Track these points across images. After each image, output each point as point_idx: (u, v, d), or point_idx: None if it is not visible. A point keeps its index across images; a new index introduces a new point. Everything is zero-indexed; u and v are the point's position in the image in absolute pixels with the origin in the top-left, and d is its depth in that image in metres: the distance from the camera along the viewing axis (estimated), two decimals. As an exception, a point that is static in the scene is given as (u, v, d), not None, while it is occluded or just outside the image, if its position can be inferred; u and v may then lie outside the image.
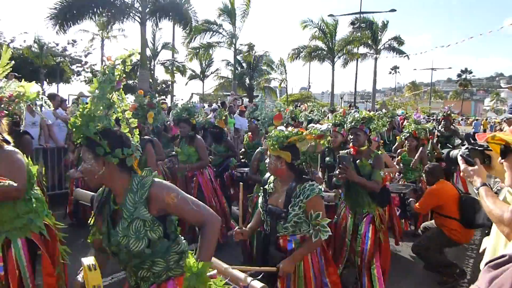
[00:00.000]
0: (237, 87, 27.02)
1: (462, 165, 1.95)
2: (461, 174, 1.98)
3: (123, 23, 17.48)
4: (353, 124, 3.93)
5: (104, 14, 16.53)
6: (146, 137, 4.65)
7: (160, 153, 5.59)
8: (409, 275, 4.80)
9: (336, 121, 4.91)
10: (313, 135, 2.89)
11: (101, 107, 1.91)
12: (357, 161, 3.84)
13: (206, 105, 22.35)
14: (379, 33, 31.58)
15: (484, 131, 30.04)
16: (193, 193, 5.04)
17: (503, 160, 1.31)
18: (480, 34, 16.48)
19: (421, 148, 6.21)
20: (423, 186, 5.95)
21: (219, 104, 14.33)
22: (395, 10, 26.97)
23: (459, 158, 1.99)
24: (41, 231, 2.84)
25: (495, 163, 1.79)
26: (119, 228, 1.94)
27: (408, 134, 6.31)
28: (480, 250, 2.38)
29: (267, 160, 2.78)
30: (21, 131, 3.74)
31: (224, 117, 6.66)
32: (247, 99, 28.77)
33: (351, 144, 3.95)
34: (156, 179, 2.03)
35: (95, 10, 15.52)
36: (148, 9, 16.17)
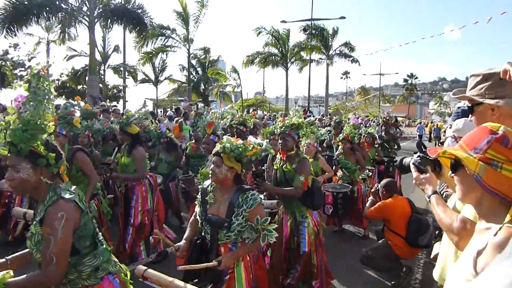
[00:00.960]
0: (192, 93, 26.71)
1: (414, 173, 2.01)
2: (413, 181, 2.04)
3: (70, 28, 16.75)
4: (282, 129, 4.09)
5: (51, 18, 15.79)
6: (75, 146, 4.62)
7: (99, 166, 5.43)
8: (363, 275, 4.92)
9: (273, 129, 5.07)
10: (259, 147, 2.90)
11: (39, 118, 1.94)
12: (284, 166, 4.02)
13: (160, 111, 22.02)
14: (330, 39, 32.52)
15: (430, 133, 31.61)
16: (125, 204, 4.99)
17: (453, 174, 1.37)
18: (423, 38, 17.35)
19: (356, 152, 6.48)
20: (358, 187, 6.30)
21: (174, 110, 14.11)
22: (344, 18, 27.71)
23: (411, 166, 2.06)
24: None
25: (445, 171, 1.86)
26: (32, 239, 2.00)
27: (342, 138, 6.56)
28: (432, 256, 2.46)
29: (215, 169, 2.74)
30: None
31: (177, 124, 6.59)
32: (202, 105, 28.60)
33: (280, 149, 4.10)
34: (61, 200, 1.99)
35: (43, 14, 14.81)
36: (96, 13, 15.62)
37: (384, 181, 5.05)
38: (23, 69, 30.72)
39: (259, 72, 32.06)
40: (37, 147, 1.96)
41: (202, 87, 30.73)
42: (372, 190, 5.00)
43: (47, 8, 14.79)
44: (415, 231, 4.41)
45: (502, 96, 1.66)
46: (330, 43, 32.58)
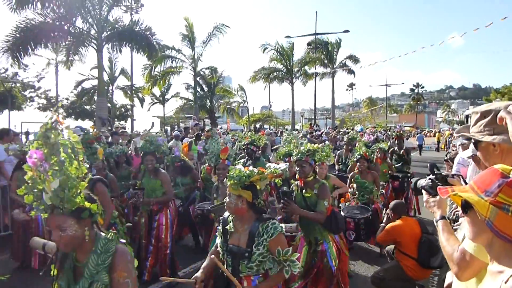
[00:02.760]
0: (199, 109, 26.92)
1: (425, 196, 2.02)
2: (425, 204, 2.05)
3: (79, 51, 16.98)
4: (298, 156, 4.10)
5: (60, 42, 16.05)
6: (94, 176, 4.55)
7: (115, 189, 5.48)
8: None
9: (288, 151, 5.08)
10: (274, 174, 2.91)
11: (77, 173, 1.93)
12: (304, 192, 4.02)
13: (168, 128, 22.21)
14: (334, 52, 32.70)
15: (438, 143, 31.33)
16: (155, 228, 5.01)
17: (464, 215, 1.39)
18: (422, 47, 17.35)
19: (372, 171, 6.44)
20: (376, 206, 6.19)
21: (182, 129, 14.20)
22: (348, 31, 27.95)
23: (423, 189, 2.06)
24: None
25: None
26: (80, 286, 1.98)
27: (359, 156, 6.47)
28: (445, 285, 2.45)
29: (227, 199, 2.74)
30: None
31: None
32: (209, 121, 28.75)
33: (297, 176, 4.11)
34: (120, 246, 2.05)
35: (50, 39, 15.06)
36: (104, 36, 15.86)
37: (391, 203, 5.02)
38: (32, 90, 31.28)
39: (265, 88, 32.29)
40: (81, 202, 1.95)
41: (209, 104, 30.98)
42: (385, 219, 4.94)
43: (55, 33, 15.04)
44: (427, 252, 4.35)
45: (499, 132, 1.68)
46: (334, 56, 32.79)
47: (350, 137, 9.22)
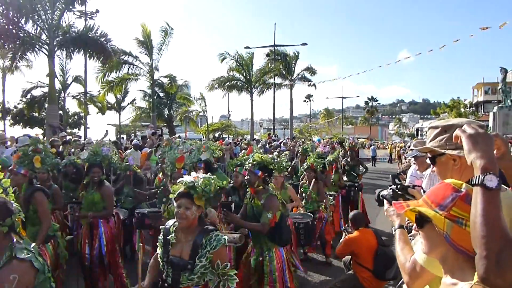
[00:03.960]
0: (156, 118, 26.40)
1: (386, 205, 2.06)
2: (384, 213, 2.09)
3: (27, 55, 16.21)
4: (246, 166, 4.21)
5: (7, 46, 15.25)
6: (36, 185, 4.40)
7: (59, 201, 5.21)
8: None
9: (237, 161, 5.20)
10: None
11: None
12: (252, 201, 4.07)
13: (124, 137, 21.56)
14: (293, 64, 33.29)
15: (390, 154, 32.51)
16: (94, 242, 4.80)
17: (419, 229, 1.40)
18: (379, 66, 18.15)
19: (314, 181, 6.60)
20: (320, 215, 6.40)
21: (139, 139, 13.83)
22: (306, 44, 28.57)
23: (383, 198, 2.10)
24: None
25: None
26: None
27: (306, 167, 6.67)
28: None
29: (185, 212, 2.63)
30: None
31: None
32: (167, 130, 28.27)
33: (241, 181, 4.25)
34: (15, 261, 1.95)
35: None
36: (56, 42, 15.26)
37: (351, 214, 5.11)
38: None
39: (224, 96, 32.19)
40: None
41: (167, 112, 30.47)
42: (343, 236, 4.94)
43: (2, 36, 14.30)
44: (382, 264, 4.43)
45: (461, 147, 1.73)
46: (293, 68, 33.37)
47: (304, 147, 9.41)
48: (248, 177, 4.12)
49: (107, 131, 11.86)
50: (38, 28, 15.05)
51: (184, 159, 4.73)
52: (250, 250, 4.16)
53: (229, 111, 44.99)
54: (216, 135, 30.96)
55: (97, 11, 20.26)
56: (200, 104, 31.41)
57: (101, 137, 11.16)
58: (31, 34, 15.02)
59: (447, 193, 1.29)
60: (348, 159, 8.95)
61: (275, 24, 28.84)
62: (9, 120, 31.94)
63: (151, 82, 24.42)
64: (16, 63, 17.97)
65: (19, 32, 14.68)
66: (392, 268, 4.40)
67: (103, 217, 4.83)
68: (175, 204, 2.72)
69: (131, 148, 11.10)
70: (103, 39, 16.01)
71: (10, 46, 15.45)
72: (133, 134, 20.17)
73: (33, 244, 2.08)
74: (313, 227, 5.94)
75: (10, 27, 14.34)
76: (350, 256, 4.87)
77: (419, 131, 44.43)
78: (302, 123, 78.94)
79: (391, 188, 2.09)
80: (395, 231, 1.94)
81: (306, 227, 5.77)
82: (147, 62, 23.42)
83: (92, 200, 4.80)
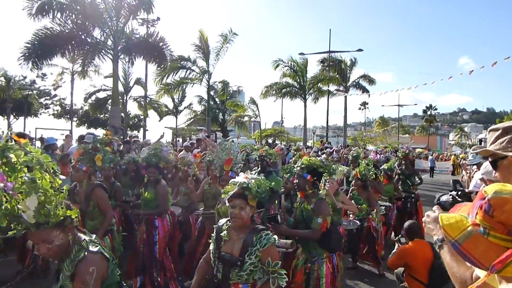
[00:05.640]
0: (211, 122, 27.04)
1: (437, 212, 1.84)
2: (425, 218, 1.93)
3: (94, 60, 17.28)
4: (294, 170, 4.23)
5: (76, 52, 16.35)
6: (95, 181, 4.64)
7: (119, 198, 5.44)
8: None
9: (286, 168, 5.14)
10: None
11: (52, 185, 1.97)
12: (302, 206, 4.02)
13: (180, 140, 22.26)
14: (348, 71, 32.78)
15: (453, 166, 30.74)
16: (148, 239, 4.97)
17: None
18: (441, 80, 17.32)
19: (369, 190, 6.46)
20: (369, 224, 6.21)
21: (194, 141, 14.22)
22: (362, 50, 28.08)
23: (439, 205, 1.96)
24: None
25: None
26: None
27: (353, 175, 6.60)
28: None
29: (240, 212, 2.70)
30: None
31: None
32: (221, 134, 28.85)
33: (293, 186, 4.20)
34: (89, 255, 2.06)
35: (68, 48, 15.37)
36: (120, 47, 16.13)
37: (406, 224, 4.85)
38: (48, 97, 31.88)
39: (277, 102, 32.37)
40: (63, 213, 2.01)
41: (221, 117, 31.08)
42: (396, 246, 4.74)
43: (73, 42, 15.37)
44: (438, 278, 4.16)
45: None
46: (348, 75, 32.87)
47: (353, 155, 9.25)
48: (297, 181, 4.10)
49: (163, 132, 12.36)
50: (105, 35, 16.00)
51: (231, 161, 4.80)
52: (298, 257, 4.11)
53: (282, 118, 45.07)
54: (269, 141, 31.13)
55: (158, 18, 21.10)
56: (252, 110, 31.71)
57: (157, 139, 11.65)
58: (98, 40, 15.98)
59: (477, 201, 1.25)
60: (403, 168, 8.66)
61: (330, 30, 28.62)
62: (76, 121, 34.15)
63: (206, 87, 25.06)
64: (86, 68, 19.19)
65: (88, 38, 15.68)
66: (448, 284, 4.14)
67: (156, 215, 5.01)
68: (227, 204, 2.79)
69: (183, 150, 11.45)
70: (161, 44, 16.71)
71: (80, 51, 16.55)
72: (188, 138, 20.78)
73: (94, 236, 2.22)
74: (358, 235, 5.79)
75: (80, 33, 15.38)
76: (403, 268, 4.65)
77: (482, 142, 41.85)
78: (356, 131, 77.36)
79: (451, 194, 1.98)
80: (440, 242, 1.70)
81: (350, 234, 5.66)
82: (203, 67, 24.09)
83: (147, 198, 5.02)
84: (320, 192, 4.12)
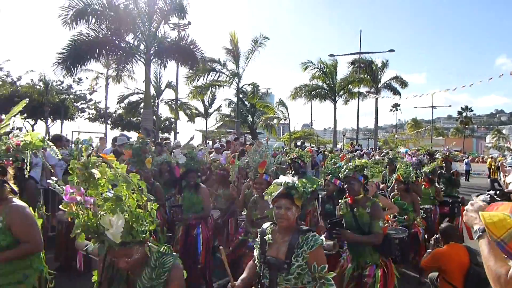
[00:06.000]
0: (240, 124, 27.24)
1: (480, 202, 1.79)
2: (465, 213, 1.86)
3: (128, 65, 17.74)
4: (346, 172, 3.93)
5: (110, 57, 16.86)
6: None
7: (161, 198, 5.53)
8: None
9: (327, 170, 5.05)
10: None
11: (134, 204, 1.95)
12: (355, 210, 3.81)
13: (210, 142, 22.53)
14: (379, 72, 32.25)
15: (489, 169, 29.61)
16: (191, 243, 4.99)
17: None
18: (480, 81, 16.78)
19: (412, 193, 6.17)
20: (416, 230, 5.91)
21: (224, 143, 14.35)
22: (393, 51, 27.45)
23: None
24: None
25: None
26: None
27: (394, 178, 6.30)
28: None
29: (286, 212, 2.63)
30: (25, 176, 3.75)
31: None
32: (250, 136, 28.98)
33: (347, 193, 3.94)
34: (176, 261, 2.11)
35: (102, 53, 15.86)
36: (152, 51, 16.51)
37: (441, 226, 4.67)
38: (84, 102, 32.96)
39: (306, 105, 32.18)
40: (148, 230, 2.01)
41: (250, 119, 31.23)
42: (432, 244, 4.60)
43: (107, 47, 15.86)
44: (474, 285, 3.96)
45: None
46: (379, 76, 32.34)
47: (389, 157, 9.00)
48: (351, 184, 3.88)
49: (193, 135, 12.52)
50: (137, 39, 16.42)
51: (266, 164, 4.78)
52: (344, 263, 3.92)
53: (311, 120, 44.89)
54: (298, 143, 30.99)
55: (189, 23, 21.46)
56: (282, 112, 31.70)
57: (187, 141, 11.81)
58: (132, 45, 16.42)
59: None
60: (443, 171, 8.33)
61: (360, 30, 28.17)
62: (110, 123, 35.17)
63: (236, 89, 25.24)
64: (120, 72, 19.76)
65: (121, 43, 16.13)
66: None
67: (202, 219, 5.04)
68: (271, 205, 2.72)
69: (213, 152, 11.55)
70: (192, 47, 16.99)
71: (113, 56, 17.06)
72: (218, 140, 21.02)
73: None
74: (410, 244, 5.48)
75: (114, 38, 15.84)
76: (437, 273, 4.47)
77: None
78: (387, 133, 75.90)
79: (488, 194, 1.91)
80: (481, 232, 1.60)
81: (401, 243, 5.24)
82: (232, 70, 24.29)
83: (191, 202, 5.06)
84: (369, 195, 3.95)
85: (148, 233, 1.99)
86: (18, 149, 2.78)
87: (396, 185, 6.26)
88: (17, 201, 2.80)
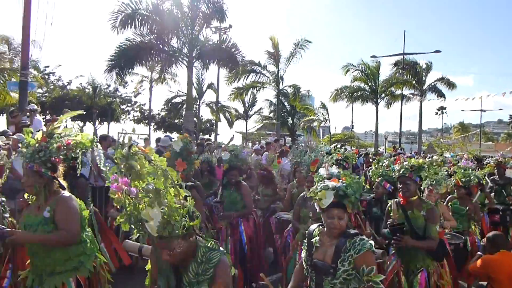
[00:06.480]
0: (280, 127, 27.25)
1: None
2: None
3: (171, 68, 18.23)
4: (401, 172, 3.77)
5: (155, 60, 17.39)
6: (189, 183, 4.73)
7: (202, 196, 5.65)
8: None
9: (378, 172, 4.90)
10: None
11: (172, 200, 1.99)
12: (409, 212, 3.66)
13: (250, 144, 22.69)
14: (424, 74, 31.21)
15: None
16: (235, 240, 5.03)
17: None
18: None
19: (466, 198, 5.81)
20: (472, 240, 5.58)
21: (264, 145, 14.42)
22: (439, 51, 26.56)
23: None
24: (89, 275, 2.95)
25: None
26: None
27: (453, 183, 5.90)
28: None
29: (339, 222, 2.56)
30: (77, 175, 3.95)
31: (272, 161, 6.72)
32: (290, 139, 28.88)
33: (400, 194, 3.80)
34: (223, 257, 2.10)
35: (148, 57, 16.41)
36: (194, 54, 16.87)
37: (490, 234, 4.44)
38: (129, 104, 34.18)
39: (347, 107, 31.69)
40: (187, 225, 1.99)
41: (290, 121, 31.14)
42: (481, 249, 4.43)
43: (152, 51, 16.38)
44: None
45: None
46: (423, 78, 31.31)
47: (440, 160, 8.67)
48: (407, 184, 3.73)
49: (233, 135, 12.70)
50: (180, 43, 16.85)
51: (318, 162, 4.74)
52: (390, 267, 3.76)
53: (352, 122, 44.14)
54: (339, 146, 30.52)
55: (230, 26, 21.76)
56: (322, 114, 31.37)
57: (227, 142, 12.00)
58: (175, 48, 16.87)
59: None
60: (496, 177, 7.91)
61: (404, 31, 27.53)
62: (153, 125, 36.24)
63: (276, 91, 25.30)
64: (163, 75, 20.35)
65: (165, 47, 16.61)
66: None
67: (244, 216, 5.08)
68: (318, 209, 2.67)
69: (253, 153, 11.64)
70: (233, 50, 17.22)
71: (158, 60, 17.60)
72: (257, 142, 21.12)
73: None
74: (464, 250, 5.21)
75: (158, 42, 16.34)
76: (486, 284, 4.26)
77: None
78: (432, 137, 73.20)
79: None
80: None
81: (457, 250, 5.01)
82: (273, 72, 24.38)
83: (232, 199, 5.10)
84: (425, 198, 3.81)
85: (187, 228, 1.98)
86: (69, 147, 2.89)
87: (456, 190, 5.92)
88: (65, 193, 2.95)
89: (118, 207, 2.08)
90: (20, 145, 3.04)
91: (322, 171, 2.88)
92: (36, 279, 2.85)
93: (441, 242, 3.62)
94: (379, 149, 29.56)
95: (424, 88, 31.48)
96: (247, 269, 5.00)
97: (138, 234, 1.98)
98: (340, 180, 2.66)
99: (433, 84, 31.78)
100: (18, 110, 9.23)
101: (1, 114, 16.55)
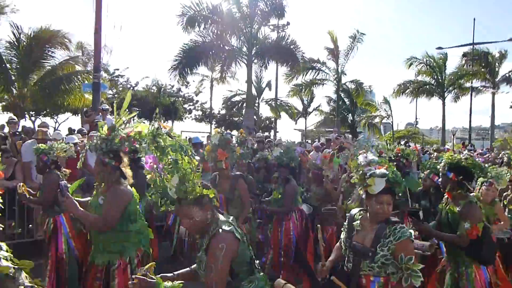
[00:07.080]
0: (340, 123, 26.82)
1: None
2: None
3: (231, 67, 18.63)
4: (439, 167, 3.89)
5: (216, 60, 17.88)
6: (237, 173, 5.02)
7: (252, 191, 5.78)
8: None
9: (426, 164, 5.01)
10: None
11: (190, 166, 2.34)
12: (448, 207, 3.62)
13: (309, 141, 22.59)
14: (496, 64, 29.12)
15: None
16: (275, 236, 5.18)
17: None
18: None
19: None
20: None
21: (324, 142, 14.30)
22: (515, 39, 24.55)
23: None
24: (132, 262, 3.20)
25: None
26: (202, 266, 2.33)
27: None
28: None
29: (388, 207, 2.65)
30: (137, 167, 4.23)
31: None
32: (350, 136, 28.32)
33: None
34: (221, 232, 2.24)
35: (208, 57, 16.93)
36: (254, 52, 17.11)
37: None
38: (191, 103, 35.35)
39: (411, 103, 30.37)
40: (200, 191, 2.24)
41: (350, 118, 30.50)
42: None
43: (213, 51, 16.89)
44: None
45: None
46: (496, 69, 29.20)
47: (509, 156, 8.07)
48: (440, 179, 3.81)
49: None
50: (240, 42, 17.19)
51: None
52: (445, 264, 3.70)
53: (416, 118, 42.24)
54: (402, 143, 29.41)
55: (288, 23, 21.80)
56: (384, 109, 30.36)
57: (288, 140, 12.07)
58: (235, 47, 17.23)
59: None
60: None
61: (474, 19, 25.76)
62: (214, 123, 37.21)
63: (336, 87, 24.92)
64: (224, 74, 20.86)
65: (226, 46, 17.02)
66: None
67: (281, 213, 5.25)
68: (363, 195, 2.76)
69: (313, 151, 11.57)
70: (292, 47, 17.25)
71: (218, 59, 18.08)
72: (317, 140, 20.96)
73: (231, 217, 2.40)
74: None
75: (218, 42, 16.80)
76: None
77: None
78: (506, 133, 68.16)
79: None
80: None
81: (502, 245, 4.78)
82: (333, 68, 24.06)
83: (276, 196, 5.27)
84: (472, 194, 3.62)
85: (201, 195, 2.23)
86: (130, 139, 3.00)
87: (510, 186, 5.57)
88: (121, 186, 3.18)
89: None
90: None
91: (361, 158, 2.92)
92: (94, 254, 3.25)
93: (490, 245, 3.42)
94: (446, 145, 28.11)
95: (497, 79, 29.37)
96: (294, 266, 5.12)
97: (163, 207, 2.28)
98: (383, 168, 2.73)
99: (507, 75, 29.52)
100: (91, 110, 9.93)
101: (77, 114, 17.91)
